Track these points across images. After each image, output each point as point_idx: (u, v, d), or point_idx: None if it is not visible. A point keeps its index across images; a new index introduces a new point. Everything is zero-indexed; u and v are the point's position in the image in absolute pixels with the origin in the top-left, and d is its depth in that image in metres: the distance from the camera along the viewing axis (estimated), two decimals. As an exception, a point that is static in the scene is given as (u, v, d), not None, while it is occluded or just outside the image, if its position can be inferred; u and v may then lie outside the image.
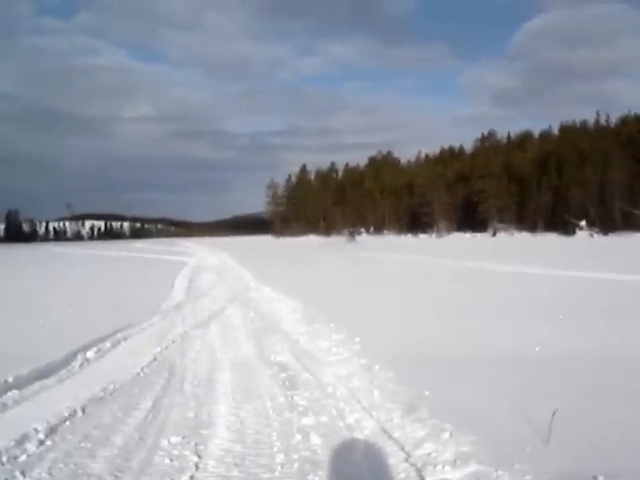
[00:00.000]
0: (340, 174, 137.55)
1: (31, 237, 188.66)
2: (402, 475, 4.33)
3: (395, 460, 4.59)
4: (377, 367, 7.09)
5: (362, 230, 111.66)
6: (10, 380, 6.82)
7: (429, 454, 4.55)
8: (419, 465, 4.41)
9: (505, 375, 6.59)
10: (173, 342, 9.72)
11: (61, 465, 4.62)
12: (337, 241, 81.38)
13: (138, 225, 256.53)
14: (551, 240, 65.31)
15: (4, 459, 4.68)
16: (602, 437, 4.56)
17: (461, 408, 5.39)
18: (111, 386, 6.93)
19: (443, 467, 4.28)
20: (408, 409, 5.53)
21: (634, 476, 3.75)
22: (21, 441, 5.01)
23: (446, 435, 4.79)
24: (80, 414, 5.89)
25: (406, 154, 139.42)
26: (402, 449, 4.76)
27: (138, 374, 7.62)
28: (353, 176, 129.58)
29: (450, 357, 7.52)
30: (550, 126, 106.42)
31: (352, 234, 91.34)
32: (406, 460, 4.55)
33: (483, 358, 7.41)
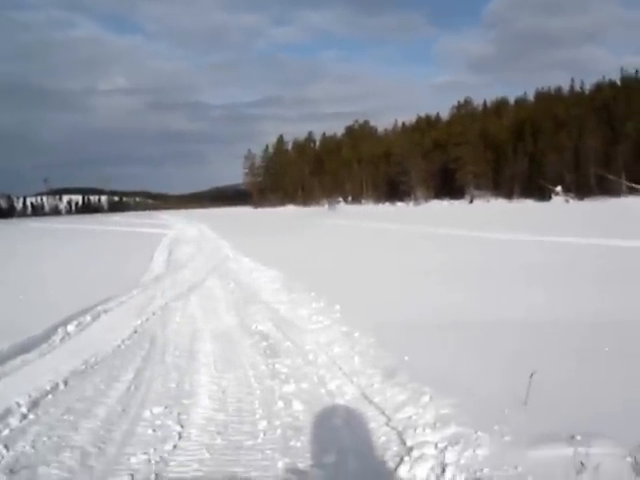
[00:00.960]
0: (317, 144, 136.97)
1: (8, 213, 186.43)
2: (383, 439, 4.40)
3: (376, 424, 4.66)
4: (357, 334, 7.15)
5: (340, 199, 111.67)
6: (-10, 355, 6.81)
7: (409, 417, 4.62)
8: (400, 429, 4.48)
9: (487, 340, 6.65)
10: (153, 314, 9.72)
11: (44, 438, 4.63)
12: (317, 211, 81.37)
13: (116, 199, 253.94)
14: (529, 206, 65.71)
15: (-13, 433, 4.69)
16: (581, 398, 4.63)
17: (441, 373, 5.45)
18: (92, 359, 6.94)
19: (423, 430, 4.35)
20: (388, 374, 5.59)
21: (612, 435, 3.83)
22: (4, 415, 5.02)
23: (426, 398, 4.85)
24: (62, 387, 5.90)
25: (383, 123, 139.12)
26: (382, 413, 4.83)
27: (119, 346, 7.63)
28: (330, 146, 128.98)
29: (431, 324, 7.57)
30: (525, 93, 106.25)
31: (332, 204, 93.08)
32: (387, 424, 4.62)
33: (467, 323, 7.47)
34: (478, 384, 5.11)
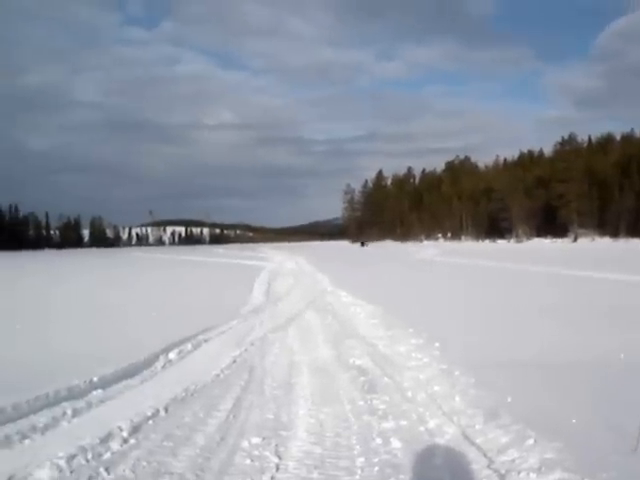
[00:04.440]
0: (417, 179, 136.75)
1: (114, 242, 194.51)
2: (485, 482, 4.24)
3: (478, 466, 4.49)
4: (457, 372, 6.97)
5: (439, 235, 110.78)
6: (95, 380, 7.02)
7: (512, 460, 4.44)
8: (502, 472, 4.31)
9: (588, 381, 6.37)
10: (252, 345, 9.81)
11: (144, 463, 4.70)
12: (415, 246, 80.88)
13: (217, 231, 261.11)
14: (637, 246, 62.94)
15: (89, 456, 4.79)
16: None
17: (546, 415, 5.23)
18: (192, 387, 7.03)
19: (527, 474, 4.17)
20: (490, 415, 5.40)
21: None
22: (106, 439, 5.13)
23: (530, 441, 4.66)
24: (163, 413, 6.00)
25: (484, 159, 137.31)
26: (484, 455, 4.66)
27: (218, 375, 7.71)
28: (430, 181, 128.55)
29: (536, 363, 7.30)
30: (632, 129, 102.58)
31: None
32: (489, 466, 4.45)
33: (574, 363, 7.17)
34: (585, 427, 4.87)
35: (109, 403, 6.40)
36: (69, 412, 5.94)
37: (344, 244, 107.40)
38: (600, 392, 5.95)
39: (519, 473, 4.21)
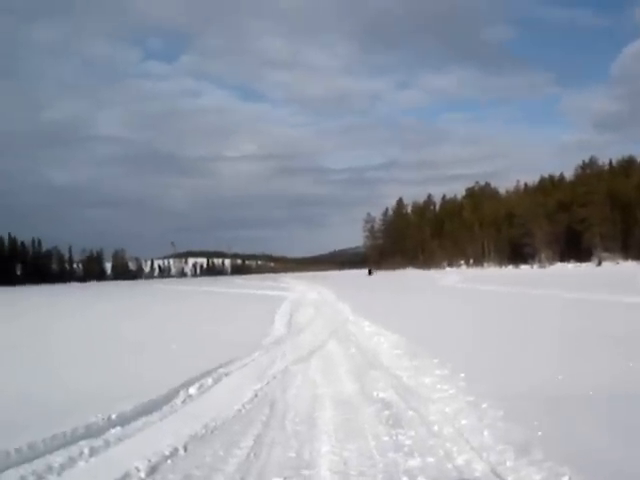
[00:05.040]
0: (437, 206, 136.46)
1: (137, 275, 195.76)
2: (519, 524, 4.03)
3: (511, 507, 4.28)
4: (485, 405, 6.75)
5: (461, 262, 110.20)
6: (113, 417, 6.88)
7: (548, 501, 4.22)
8: (537, 513, 4.09)
9: (621, 414, 6.13)
10: (274, 378, 9.64)
11: (162, 505, 4.54)
12: (437, 273, 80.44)
13: (239, 262, 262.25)
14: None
15: (107, 498, 4.65)
16: None
17: (580, 450, 5.01)
18: (212, 423, 6.87)
19: (564, 515, 3.95)
20: (521, 451, 5.18)
21: None
22: (122, 480, 4.98)
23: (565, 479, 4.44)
24: (182, 452, 5.84)
25: (505, 184, 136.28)
26: (517, 494, 4.44)
27: (240, 410, 7.54)
28: (451, 208, 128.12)
29: (563, 395, 7.07)
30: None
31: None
32: (523, 507, 4.23)
33: (598, 397, 6.93)
34: (622, 464, 4.64)
35: (127, 441, 6.25)
36: (86, 451, 5.81)
37: (365, 272, 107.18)
38: (633, 425, 5.71)
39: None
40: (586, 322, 14.67)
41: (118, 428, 6.64)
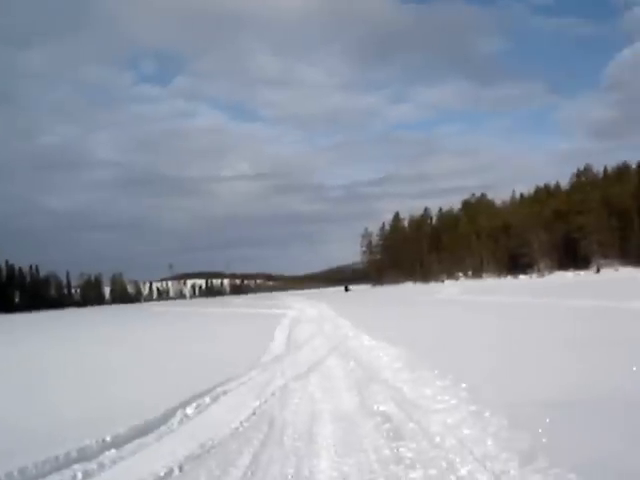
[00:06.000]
0: (434, 220, 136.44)
1: (136, 298, 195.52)
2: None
3: (516, 517, 4.14)
4: (488, 414, 6.62)
5: (460, 274, 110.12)
6: (108, 439, 6.74)
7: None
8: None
9: (629, 420, 6.00)
10: (273, 395, 9.49)
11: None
12: (436, 286, 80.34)
13: (237, 281, 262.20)
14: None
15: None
16: None
17: (585, 457, 4.88)
18: (209, 442, 6.72)
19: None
20: (526, 459, 5.04)
21: None
22: (117, 503, 4.84)
23: (572, 487, 4.31)
24: (177, 472, 5.69)
25: (501, 195, 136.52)
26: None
27: (237, 429, 7.40)
28: (447, 221, 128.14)
29: (572, 401, 6.94)
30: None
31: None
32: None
33: (602, 402, 6.81)
34: (626, 470, 4.51)
35: (122, 464, 6.11)
36: (79, 475, 5.68)
37: (364, 288, 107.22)
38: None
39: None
40: (590, 330, 14.57)
41: (113, 451, 6.50)
